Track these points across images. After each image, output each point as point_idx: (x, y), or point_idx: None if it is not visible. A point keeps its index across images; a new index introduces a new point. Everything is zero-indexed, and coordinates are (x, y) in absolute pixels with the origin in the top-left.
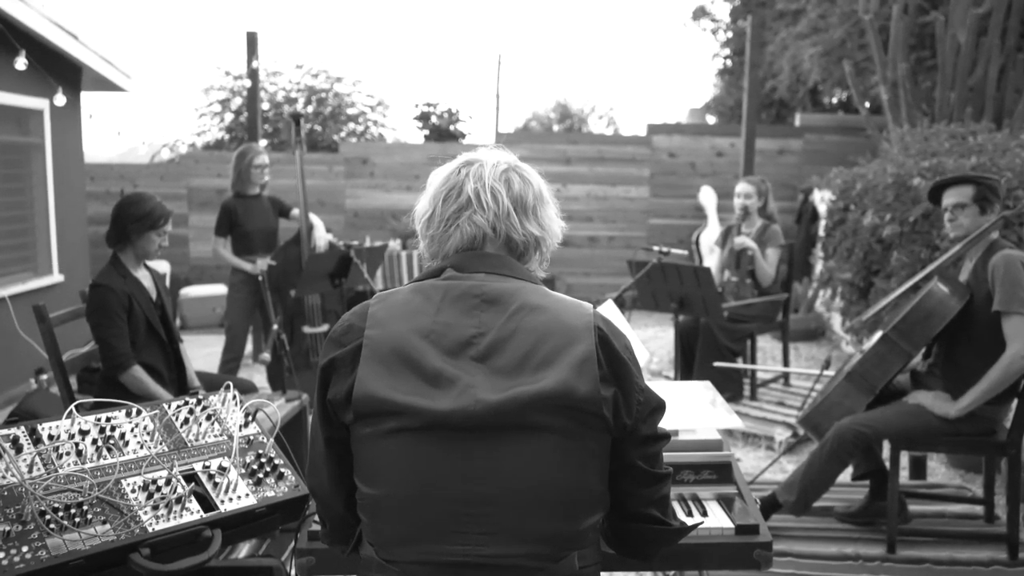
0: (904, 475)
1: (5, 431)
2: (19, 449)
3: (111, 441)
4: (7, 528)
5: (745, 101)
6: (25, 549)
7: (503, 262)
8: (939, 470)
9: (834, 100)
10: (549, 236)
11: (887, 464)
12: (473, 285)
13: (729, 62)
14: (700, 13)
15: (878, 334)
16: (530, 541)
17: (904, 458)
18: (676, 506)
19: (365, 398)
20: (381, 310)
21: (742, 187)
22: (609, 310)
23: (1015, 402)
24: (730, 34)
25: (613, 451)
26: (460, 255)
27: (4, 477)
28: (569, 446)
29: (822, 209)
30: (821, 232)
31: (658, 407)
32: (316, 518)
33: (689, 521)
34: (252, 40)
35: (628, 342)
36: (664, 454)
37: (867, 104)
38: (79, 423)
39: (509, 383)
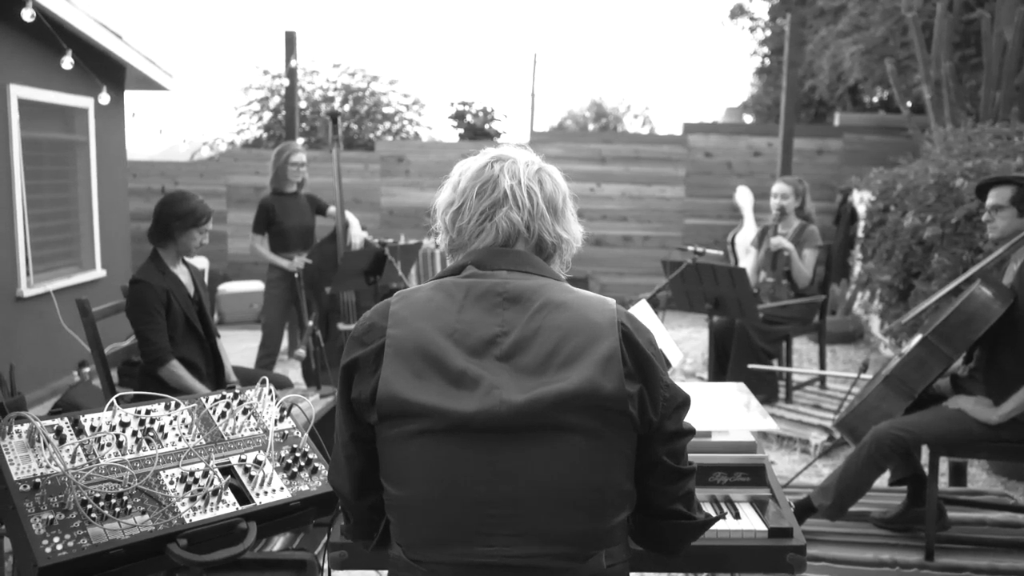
0: (943, 481)
1: (49, 422)
2: (63, 440)
3: (150, 433)
4: (51, 516)
5: (783, 100)
6: (68, 537)
7: (525, 259)
8: (980, 477)
9: (874, 99)
10: (573, 240)
11: (925, 470)
12: (496, 283)
13: (767, 61)
14: (738, 11)
15: (918, 337)
16: (557, 541)
17: (943, 464)
18: (708, 507)
19: (389, 399)
20: (403, 308)
21: (778, 187)
22: (642, 310)
23: None
24: (768, 32)
25: (639, 448)
26: (481, 252)
27: (48, 467)
28: (595, 445)
29: (861, 210)
30: (860, 233)
31: (684, 403)
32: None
33: (722, 518)
34: (290, 40)
35: (652, 337)
36: (698, 455)
37: (909, 103)
38: (120, 415)
39: (534, 382)
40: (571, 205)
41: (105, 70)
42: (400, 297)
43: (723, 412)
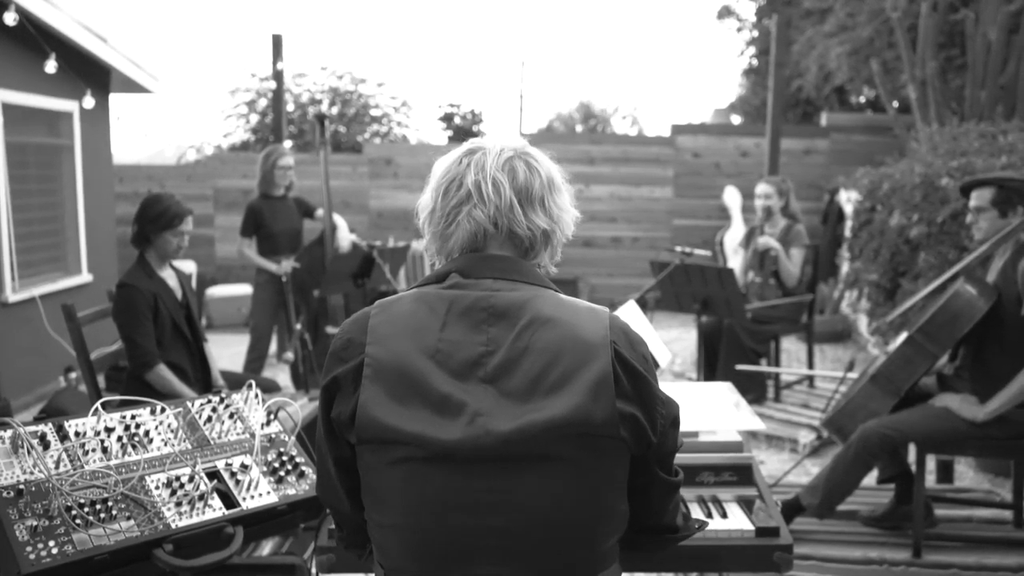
0: (931, 479)
1: (33, 427)
2: (47, 445)
3: (136, 438)
4: (35, 523)
5: (770, 100)
6: (52, 543)
7: (511, 266)
8: (967, 474)
9: (861, 99)
10: (559, 227)
11: (913, 468)
12: (480, 297)
13: (754, 61)
14: (725, 12)
15: (903, 335)
16: (548, 572)
17: (931, 462)
18: (695, 507)
19: (369, 424)
20: (383, 323)
21: (762, 188)
22: (630, 311)
23: None
24: (755, 33)
25: (634, 468)
26: (464, 258)
27: (32, 473)
28: (587, 472)
29: (848, 209)
30: (847, 233)
31: (678, 415)
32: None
33: (709, 523)
34: (277, 42)
35: (646, 351)
36: (685, 455)
37: (895, 103)
38: (105, 420)
39: (520, 409)
40: (560, 187)
41: (90, 74)
42: (381, 309)
43: (711, 412)
